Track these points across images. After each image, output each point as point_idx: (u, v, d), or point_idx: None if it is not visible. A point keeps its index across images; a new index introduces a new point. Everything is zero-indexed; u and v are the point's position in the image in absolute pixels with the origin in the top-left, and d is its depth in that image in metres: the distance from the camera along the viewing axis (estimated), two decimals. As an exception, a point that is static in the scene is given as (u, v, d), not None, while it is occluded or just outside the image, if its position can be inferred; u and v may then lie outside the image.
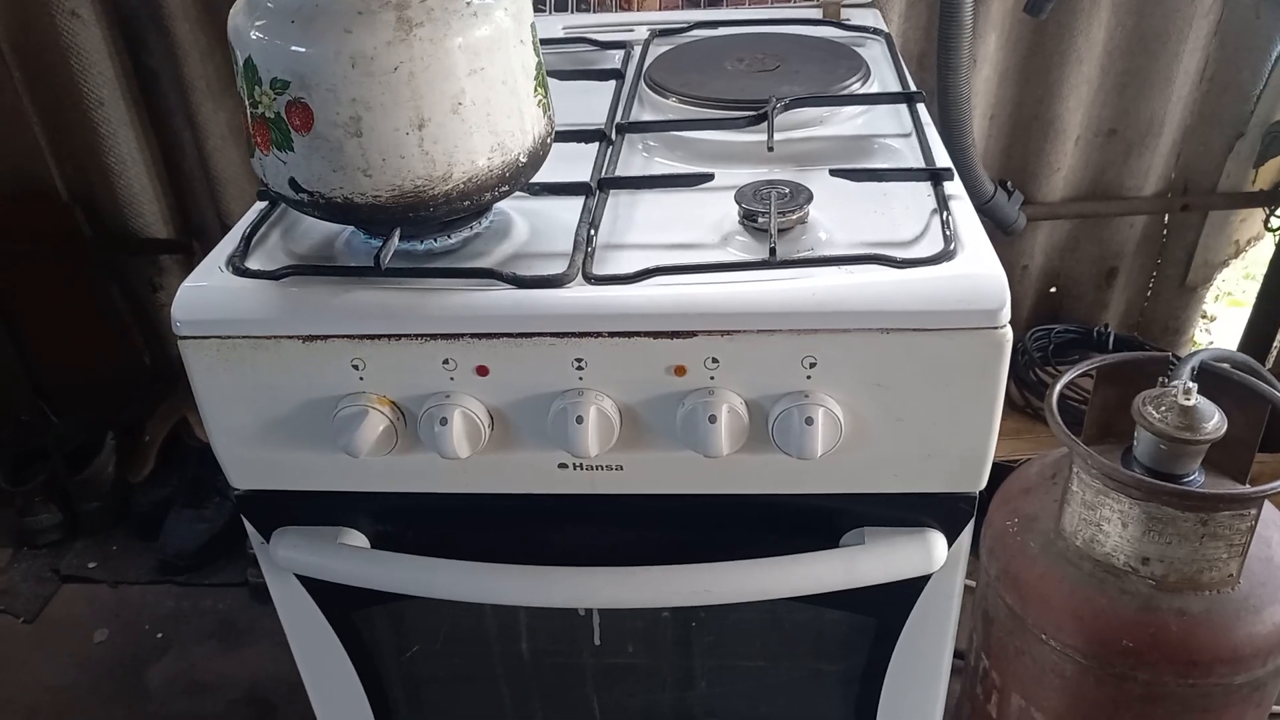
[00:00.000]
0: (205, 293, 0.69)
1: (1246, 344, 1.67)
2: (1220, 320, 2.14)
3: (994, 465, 0.70)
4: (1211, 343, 2.07)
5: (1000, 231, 1.56)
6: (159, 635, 1.56)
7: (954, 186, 0.76)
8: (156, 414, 1.74)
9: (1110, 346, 1.65)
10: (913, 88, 0.92)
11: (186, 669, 1.50)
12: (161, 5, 1.47)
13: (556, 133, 0.78)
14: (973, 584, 1.16)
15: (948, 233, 0.69)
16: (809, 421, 0.66)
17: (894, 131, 0.88)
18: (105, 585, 1.65)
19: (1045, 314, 1.76)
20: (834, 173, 0.77)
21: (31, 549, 1.72)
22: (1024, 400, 1.61)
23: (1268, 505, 1.00)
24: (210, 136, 1.56)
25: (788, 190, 0.75)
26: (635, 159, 0.89)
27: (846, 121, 0.90)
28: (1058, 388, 1.03)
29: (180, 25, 1.49)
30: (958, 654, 1.19)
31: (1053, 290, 1.75)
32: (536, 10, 1.22)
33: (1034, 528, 1.04)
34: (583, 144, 0.86)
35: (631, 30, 1.14)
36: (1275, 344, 1.65)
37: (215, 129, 1.55)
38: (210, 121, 1.54)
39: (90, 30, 1.47)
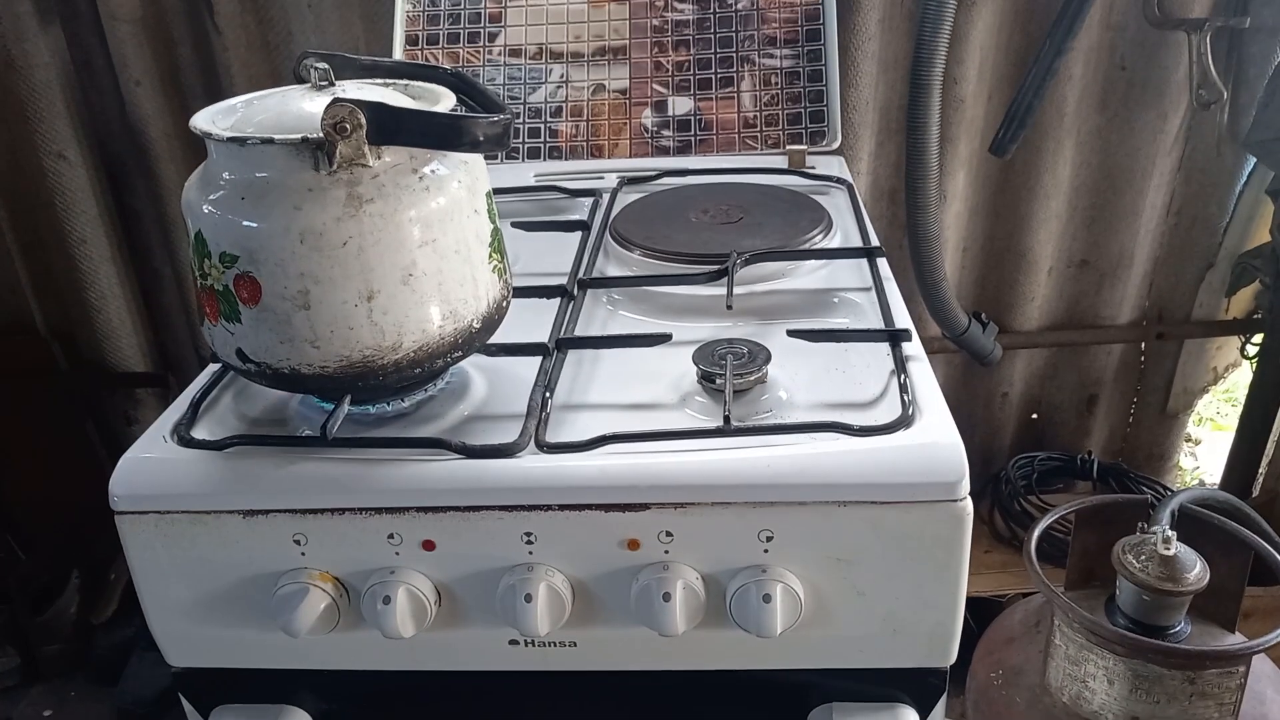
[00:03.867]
0: (146, 465, 0.68)
1: (1230, 475, 1.65)
2: (1206, 444, 2.12)
3: (979, 601, 0.68)
4: (1198, 468, 2.05)
5: (977, 362, 1.57)
6: (112, 790, 1.48)
7: (912, 347, 0.75)
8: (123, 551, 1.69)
9: (1094, 474, 1.63)
10: (874, 241, 0.93)
11: (139, 827, 1.42)
12: (148, 148, 1.50)
13: (519, 289, 0.77)
14: (959, 739, 1.11)
15: (906, 398, 0.68)
16: (766, 599, 0.63)
17: (855, 285, 0.88)
18: (60, 734, 1.58)
19: (1028, 441, 1.74)
20: (791, 334, 0.77)
21: (-15, 694, 1.65)
22: (1009, 531, 1.58)
23: (1260, 659, 0.97)
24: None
25: (745, 351, 0.75)
26: (599, 311, 0.89)
27: (808, 274, 0.91)
28: (1035, 534, 1.01)
29: (165, 167, 1.52)
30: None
31: (1034, 417, 1.74)
32: (509, 159, 1.25)
33: (1019, 681, 1.00)
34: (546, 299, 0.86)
35: (602, 178, 1.16)
36: (1260, 472, 1.63)
37: (195, 266, 1.56)
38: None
39: (76, 172, 1.50)
